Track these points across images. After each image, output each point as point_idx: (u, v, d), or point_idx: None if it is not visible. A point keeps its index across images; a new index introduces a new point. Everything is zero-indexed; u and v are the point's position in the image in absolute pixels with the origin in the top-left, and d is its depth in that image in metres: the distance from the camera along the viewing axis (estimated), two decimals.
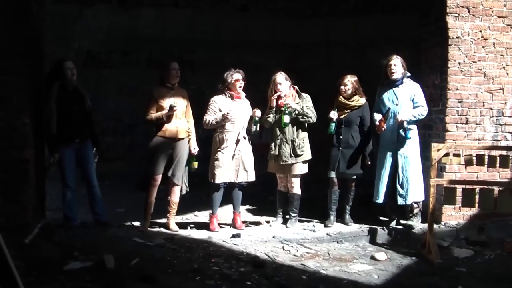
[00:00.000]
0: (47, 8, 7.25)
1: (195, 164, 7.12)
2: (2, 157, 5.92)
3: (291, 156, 7.29)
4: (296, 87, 7.43)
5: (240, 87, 7.21)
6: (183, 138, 6.99)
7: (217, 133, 7.20)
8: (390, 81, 7.25)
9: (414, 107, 7.18)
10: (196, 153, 7.13)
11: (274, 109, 7.32)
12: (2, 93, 5.90)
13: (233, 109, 7.08)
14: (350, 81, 7.42)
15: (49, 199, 7.12)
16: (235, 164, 7.15)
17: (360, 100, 7.46)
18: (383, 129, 7.17)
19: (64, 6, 10.05)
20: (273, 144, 7.40)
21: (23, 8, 6.03)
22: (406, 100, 7.18)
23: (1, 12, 5.88)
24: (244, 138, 7.22)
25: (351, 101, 7.44)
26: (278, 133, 7.35)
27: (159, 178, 6.94)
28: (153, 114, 6.88)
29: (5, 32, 5.88)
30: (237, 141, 7.15)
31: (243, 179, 7.23)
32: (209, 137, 7.53)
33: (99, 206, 6.85)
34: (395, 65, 7.18)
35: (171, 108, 6.77)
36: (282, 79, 7.30)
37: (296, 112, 7.25)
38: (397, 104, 7.19)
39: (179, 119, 6.95)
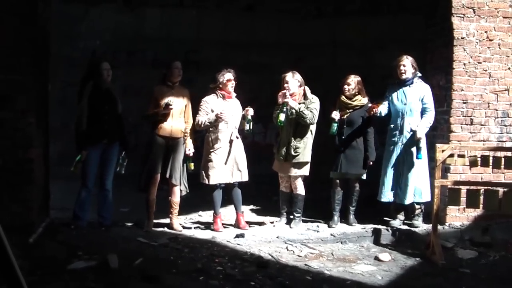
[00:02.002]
0: (53, 7, 7.27)
1: (192, 165, 7.09)
2: (7, 156, 5.92)
3: (286, 156, 7.28)
4: (307, 88, 7.41)
5: (232, 87, 7.21)
6: (178, 138, 6.99)
7: (209, 134, 7.20)
8: (400, 81, 7.25)
9: (422, 108, 7.16)
10: (191, 154, 7.11)
11: (280, 106, 7.31)
12: (7, 93, 5.90)
13: (225, 109, 7.08)
14: (354, 80, 7.42)
15: (53, 198, 7.13)
16: (229, 164, 7.15)
17: (362, 100, 7.46)
18: (372, 112, 7.18)
19: (69, 6, 10.10)
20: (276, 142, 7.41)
21: (30, 8, 6.04)
22: (415, 100, 7.18)
23: (8, 12, 5.89)
24: (237, 138, 7.23)
25: (353, 101, 7.44)
26: (280, 132, 7.39)
27: (158, 176, 6.96)
28: (150, 112, 6.90)
29: (11, 31, 5.89)
30: (230, 141, 7.15)
31: (237, 179, 7.23)
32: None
33: (106, 210, 6.85)
34: (404, 65, 7.20)
35: (167, 106, 6.77)
36: (290, 78, 7.28)
37: (293, 111, 7.21)
38: (405, 104, 7.22)
39: (176, 119, 6.95)
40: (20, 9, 5.93)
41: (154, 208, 7.03)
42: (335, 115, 7.31)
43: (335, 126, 7.31)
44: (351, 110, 7.45)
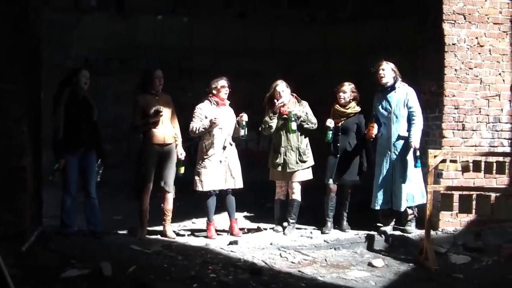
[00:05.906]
0: (45, 16, 7.26)
1: (182, 169, 7.12)
2: None
3: (297, 163, 7.32)
4: (295, 94, 7.47)
5: (226, 93, 7.24)
6: (170, 144, 7.02)
7: (203, 140, 7.21)
8: (382, 87, 7.25)
9: (408, 113, 7.13)
10: (183, 158, 7.15)
11: (277, 115, 7.34)
12: (0, 101, 5.90)
13: (219, 115, 7.10)
14: (349, 88, 7.44)
15: (46, 206, 7.11)
16: (222, 171, 7.16)
17: (355, 108, 7.49)
18: (373, 135, 7.19)
19: (62, 14, 10.10)
20: (276, 152, 7.40)
21: (21, 16, 6.04)
22: (399, 106, 7.12)
23: None
24: (231, 144, 7.24)
25: (347, 109, 7.46)
26: (283, 140, 7.36)
27: (150, 185, 6.97)
28: (140, 121, 6.92)
29: (3, 40, 5.88)
30: (224, 148, 7.16)
31: (230, 186, 7.23)
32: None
33: (95, 217, 6.81)
34: (383, 69, 7.17)
35: (157, 113, 6.81)
36: (284, 87, 7.35)
37: (301, 119, 7.29)
38: (390, 111, 7.16)
39: (166, 125, 6.98)
40: (11, 18, 5.93)
41: (148, 216, 7.02)
42: (330, 123, 7.33)
43: (330, 133, 7.33)
44: (345, 118, 7.47)
